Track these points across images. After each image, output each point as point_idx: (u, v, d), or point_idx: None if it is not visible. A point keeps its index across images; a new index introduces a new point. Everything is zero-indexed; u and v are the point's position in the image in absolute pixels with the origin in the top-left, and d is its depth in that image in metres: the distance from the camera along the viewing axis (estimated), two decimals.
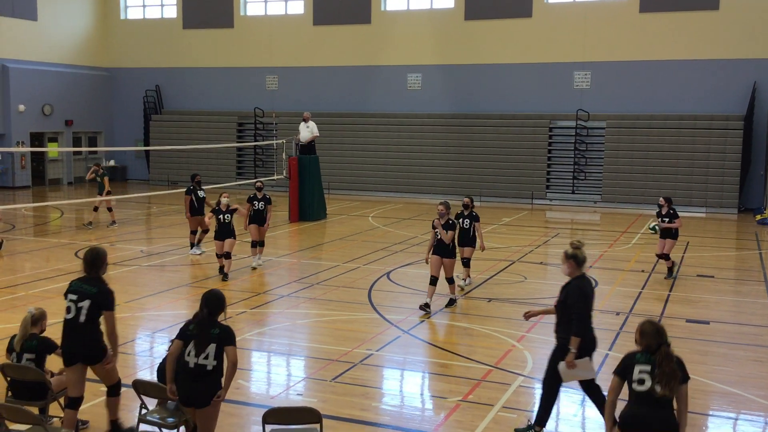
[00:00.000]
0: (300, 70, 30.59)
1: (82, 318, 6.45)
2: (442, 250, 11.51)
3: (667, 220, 14.28)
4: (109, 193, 20.14)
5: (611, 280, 14.28)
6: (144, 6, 33.51)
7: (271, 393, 8.16)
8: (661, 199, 14.56)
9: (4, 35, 28.88)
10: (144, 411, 6.67)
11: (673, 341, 10.22)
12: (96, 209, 20.39)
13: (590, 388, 6.95)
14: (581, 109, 26.60)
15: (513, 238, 19.15)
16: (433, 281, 11.57)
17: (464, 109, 28.42)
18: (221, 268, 13.76)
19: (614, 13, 26.54)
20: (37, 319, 6.93)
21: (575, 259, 6.87)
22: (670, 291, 13.37)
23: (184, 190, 16.66)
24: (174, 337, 6.16)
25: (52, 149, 30.53)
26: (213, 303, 6.03)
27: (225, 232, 13.74)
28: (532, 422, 7.15)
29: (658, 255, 14.47)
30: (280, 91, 31.03)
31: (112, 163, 33.49)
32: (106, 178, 20.16)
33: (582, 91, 27.00)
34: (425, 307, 11.44)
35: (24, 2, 29.58)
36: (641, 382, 5.51)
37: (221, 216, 13.74)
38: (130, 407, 7.54)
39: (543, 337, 10.44)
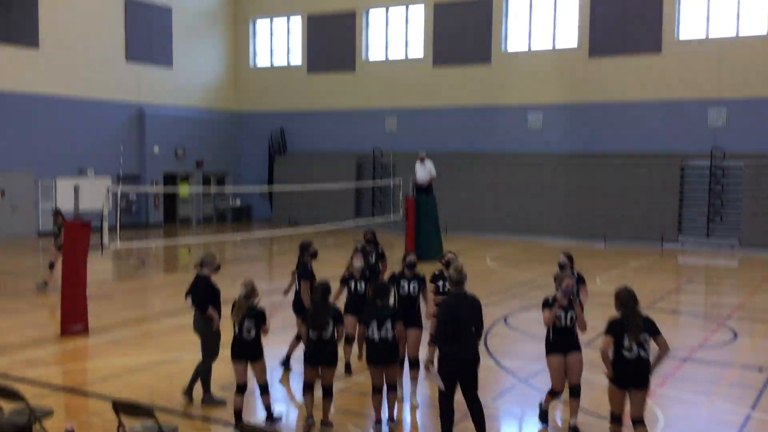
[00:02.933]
0: (419, 111, 30.70)
1: None
2: (568, 341, 7.95)
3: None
4: (60, 248, 14.50)
5: (752, 332, 13.07)
6: (272, 54, 34.88)
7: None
8: (561, 256, 9.92)
9: (142, 81, 30.76)
10: None
11: None
12: (52, 266, 16.29)
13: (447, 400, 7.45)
14: (716, 147, 25.07)
15: (641, 284, 18.01)
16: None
17: (588, 149, 27.47)
18: (348, 366, 10.11)
19: (751, 47, 25.00)
20: (249, 293, 8.03)
21: (449, 278, 7.88)
22: None
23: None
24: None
25: (183, 189, 32.00)
26: (380, 290, 8.06)
27: (360, 305, 9.78)
28: None
29: None
30: (399, 132, 31.22)
31: (237, 202, 34.71)
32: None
33: (716, 129, 25.46)
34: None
35: (161, 50, 31.47)
36: (630, 349, 6.94)
37: (354, 284, 10.15)
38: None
39: (676, 393, 9.60)
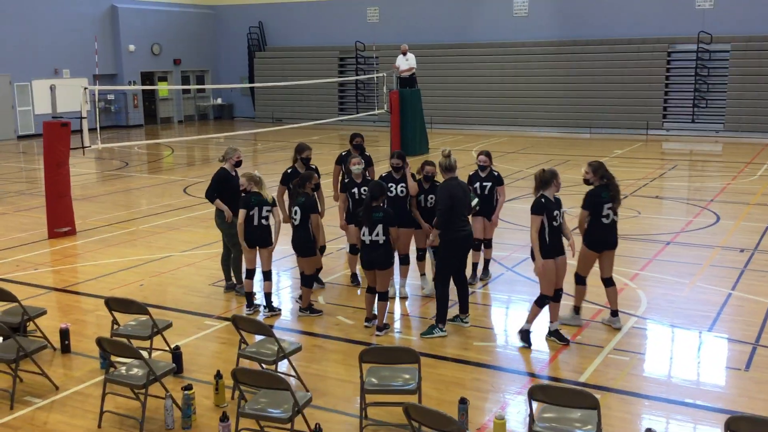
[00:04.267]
0: (401, 0, 29.80)
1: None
2: (559, 244, 7.60)
3: (488, 186, 9.14)
4: None
5: (735, 215, 13.26)
6: None
7: (370, 331, 8.01)
8: (481, 156, 9.24)
9: None
10: (244, 346, 6.67)
11: None
12: None
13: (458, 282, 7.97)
14: (703, 30, 24.64)
15: (626, 171, 18.14)
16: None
17: (574, 35, 26.94)
18: (355, 275, 9.65)
19: None
20: (260, 179, 8.37)
21: (440, 166, 7.86)
22: None
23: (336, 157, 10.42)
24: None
25: (162, 88, 31.35)
26: (375, 189, 7.69)
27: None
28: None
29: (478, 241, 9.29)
30: (381, 24, 30.41)
31: (219, 101, 34.10)
32: None
33: (704, 12, 24.95)
34: None
35: None
36: (607, 216, 7.64)
37: (355, 190, 8.92)
38: (233, 341, 7.57)
39: (658, 275, 9.81)
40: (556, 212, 7.27)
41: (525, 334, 7.52)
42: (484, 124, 27.77)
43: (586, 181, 7.79)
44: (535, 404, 5.13)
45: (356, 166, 8.84)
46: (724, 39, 24.53)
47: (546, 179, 7.27)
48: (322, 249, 9.13)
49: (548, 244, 7.26)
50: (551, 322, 7.66)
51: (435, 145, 22.80)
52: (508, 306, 9.11)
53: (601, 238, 7.68)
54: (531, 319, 7.53)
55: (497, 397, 6.56)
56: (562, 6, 27.07)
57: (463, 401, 5.86)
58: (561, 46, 26.95)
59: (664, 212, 14.14)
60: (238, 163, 9.09)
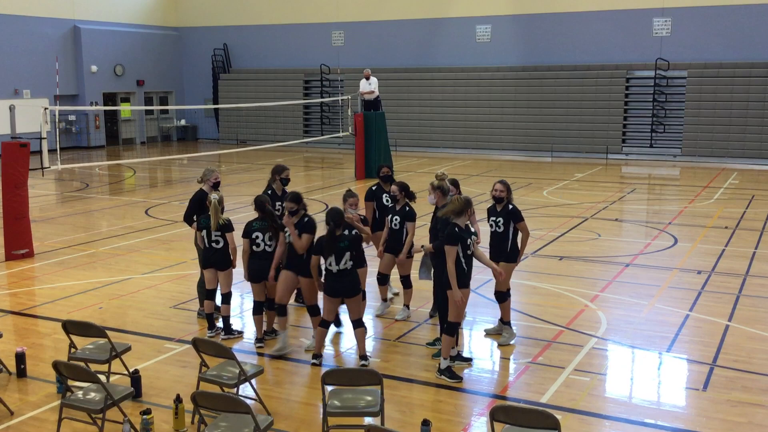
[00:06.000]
0: (366, 24, 30.07)
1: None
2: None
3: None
4: None
5: (692, 237, 13.54)
6: None
7: (335, 352, 7.98)
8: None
9: None
10: (205, 369, 6.59)
11: (757, 301, 9.69)
12: None
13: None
14: (660, 57, 25.28)
15: (586, 195, 18.45)
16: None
17: (535, 61, 27.43)
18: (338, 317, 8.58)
19: None
20: (221, 201, 8.31)
21: (441, 189, 7.95)
22: (756, 248, 12.59)
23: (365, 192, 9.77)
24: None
25: (124, 108, 31.07)
26: (337, 217, 7.32)
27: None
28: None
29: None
30: (346, 47, 30.61)
31: (183, 122, 33.90)
32: None
33: (662, 39, 25.62)
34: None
35: None
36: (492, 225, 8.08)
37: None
38: (194, 364, 7.47)
39: (618, 297, 9.96)
40: (469, 241, 7.13)
41: (448, 371, 7.24)
42: (448, 147, 28.03)
43: (500, 199, 8.02)
44: (497, 425, 5.15)
45: (350, 210, 8.20)
46: (681, 66, 25.20)
47: (458, 210, 7.08)
48: None
49: (465, 274, 7.17)
50: (443, 358, 7.29)
51: (399, 167, 22.93)
52: (472, 328, 9.15)
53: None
54: (447, 352, 7.26)
55: (460, 419, 6.57)
56: (524, 33, 27.56)
57: (425, 423, 5.86)
58: (523, 71, 27.41)
59: (623, 235, 14.37)
60: (216, 185, 8.87)
